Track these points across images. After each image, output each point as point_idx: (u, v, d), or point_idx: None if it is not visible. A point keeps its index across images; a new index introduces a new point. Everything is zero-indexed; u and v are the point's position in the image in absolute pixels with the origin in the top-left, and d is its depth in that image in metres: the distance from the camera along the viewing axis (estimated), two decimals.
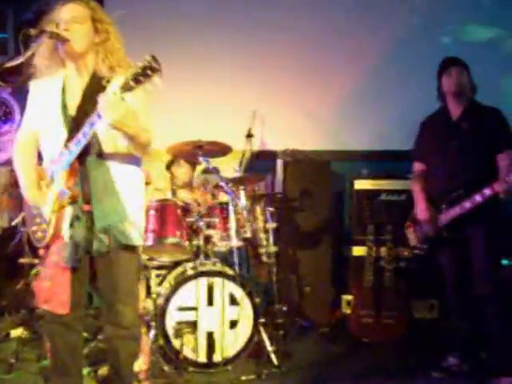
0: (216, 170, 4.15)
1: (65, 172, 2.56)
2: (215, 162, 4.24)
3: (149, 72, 2.24)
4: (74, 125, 2.56)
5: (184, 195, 4.64)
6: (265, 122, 4.85)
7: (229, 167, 4.70)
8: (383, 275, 4.69)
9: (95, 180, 2.61)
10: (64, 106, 2.64)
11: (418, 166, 4.05)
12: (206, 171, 4.69)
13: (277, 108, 5.43)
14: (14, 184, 5.68)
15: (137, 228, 2.73)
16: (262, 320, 4.07)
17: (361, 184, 5.13)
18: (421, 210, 3.87)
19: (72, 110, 2.63)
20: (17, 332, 4.53)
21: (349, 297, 4.90)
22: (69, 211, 2.59)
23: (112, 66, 2.64)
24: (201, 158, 4.10)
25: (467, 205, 3.61)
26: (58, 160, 2.58)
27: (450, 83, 3.81)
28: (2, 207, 5.63)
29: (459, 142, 3.76)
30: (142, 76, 2.25)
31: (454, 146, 3.77)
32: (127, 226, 2.68)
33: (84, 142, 2.47)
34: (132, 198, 2.71)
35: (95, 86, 2.60)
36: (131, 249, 2.74)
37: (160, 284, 4.16)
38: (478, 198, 3.56)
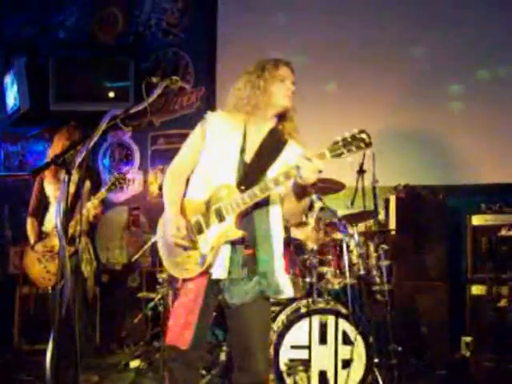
0: (329, 208, 4.13)
1: (237, 212, 2.66)
2: (327, 199, 4.23)
3: (361, 144, 2.38)
4: (247, 171, 2.72)
5: (297, 233, 4.65)
6: (376, 157, 4.78)
7: (341, 204, 4.68)
8: (505, 316, 4.45)
9: (259, 226, 2.74)
10: (242, 151, 2.78)
11: None
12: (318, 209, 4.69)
13: (389, 143, 5.36)
14: (132, 223, 5.99)
15: (285, 277, 2.81)
16: (376, 360, 3.97)
17: (479, 219, 4.93)
18: None
19: (248, 157, 2.77)
20: (135, 363, 4.70)
21: (468, 338, 4.68)
22: (224, 251, 2.69)
23: (289, 133, 2.83)
24: (313, 196, 4.11)
25: None
26: (228, 200, 2.66)
27: None
28: (121, 244, 5.92)
29: None
30: (353, 146, 2.38)
31: None
32: (279, 273, 2.78)
33: (268, 192, 2.60)
34: (279, 247, 2.81)
35: (273, 142, 2.79)
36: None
37: (273, 321, 4.16)
38: None
